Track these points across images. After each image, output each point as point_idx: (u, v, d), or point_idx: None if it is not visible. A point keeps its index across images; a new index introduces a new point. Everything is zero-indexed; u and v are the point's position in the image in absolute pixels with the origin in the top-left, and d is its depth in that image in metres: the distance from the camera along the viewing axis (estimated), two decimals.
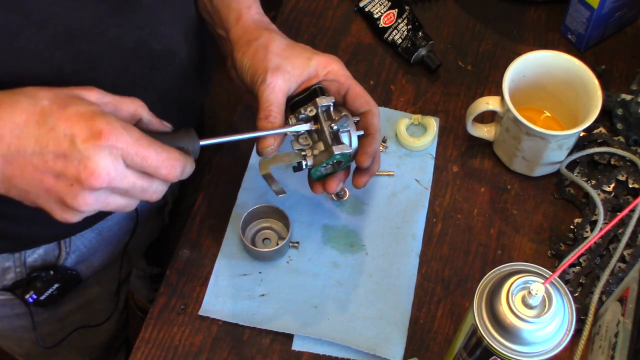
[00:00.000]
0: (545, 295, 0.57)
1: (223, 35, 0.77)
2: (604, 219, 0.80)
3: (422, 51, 0.93)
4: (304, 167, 0.71)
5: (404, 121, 0.89)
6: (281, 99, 0.70)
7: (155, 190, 0.59)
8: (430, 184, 0.86)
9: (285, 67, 0.71)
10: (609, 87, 0.92)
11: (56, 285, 0.80)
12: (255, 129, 0.70)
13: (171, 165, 0.58)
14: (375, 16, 0.97)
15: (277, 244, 0.80)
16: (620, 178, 0.83)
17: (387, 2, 0.97)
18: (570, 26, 0.95)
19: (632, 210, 0.80)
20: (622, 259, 0.79)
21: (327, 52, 0.95)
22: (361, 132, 0.71)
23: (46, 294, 0.77)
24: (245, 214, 0.81)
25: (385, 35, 0.96)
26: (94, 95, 0.59)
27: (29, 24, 0.59)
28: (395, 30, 0.95)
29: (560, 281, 0.59)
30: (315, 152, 0.70)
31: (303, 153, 0.70)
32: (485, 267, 0.81)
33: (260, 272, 0.80)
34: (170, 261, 0.81)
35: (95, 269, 0.87)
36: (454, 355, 0.68)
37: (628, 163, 0.84)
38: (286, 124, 0.71)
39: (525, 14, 1.01)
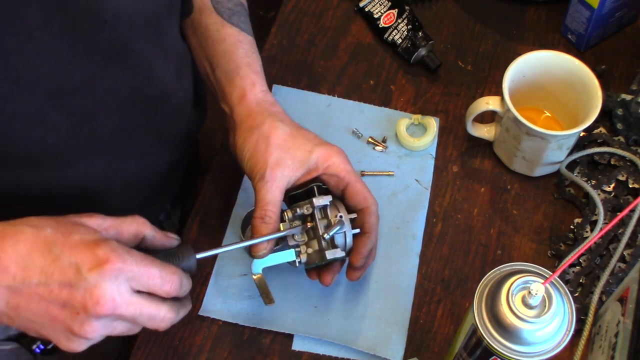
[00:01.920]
0: (545, 295, 0.57)
1: (227, 112, 0.76)
2: (604, 219, 0.80)
3: (422, 51, 0.93)
4: (297, 264, 0.71)
5: (404, 121, 0.89)
6: (278, 197, 0.70)
7: (163, 318, 0.60)
8: (430, 184, 0.86)
9: (285, 162, 0.70)
10: (609, 87, 0.92)
11: None
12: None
13: (173, 280, 0.59)
14: (375, 16, 0.97)
15: (277, 244, 0.80)
16: (620, 178, 0.83)
17: (387, 2, 0.97)
18: (570, 26, 0.95)
19: (632, 210, 0.80)
20: (622, 259, 0.79)
21: (327, 52, 0.96)
22: (357, 231, 0.72)
23: (53, 344, 0.76)
24: (246, 213, 0.81)
25: (385, 35, 0.96)
26: (95, 221, 0.60)
27: (18, 88, 0.58)
28: (395, 30, 0.95)
29: (560, 281, 0.59)
30: (310, 250, 0.70)
31: (297, 249, 0.70)
32: (485, 267, 0.81)
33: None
34: None
35: None
36: (454, 355, 0.68)
37: (628, 163, 0.84)
38: (282, 220, 0.71)
39: (525, 14, 1.01)
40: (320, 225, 0.70)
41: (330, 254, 0.69)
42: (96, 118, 0.66)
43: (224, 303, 0.78)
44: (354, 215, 0.72)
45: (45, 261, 0.55)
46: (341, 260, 0.73)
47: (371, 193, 0.73)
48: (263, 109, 0.74)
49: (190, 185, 0.99)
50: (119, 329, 0.58)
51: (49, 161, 0.66)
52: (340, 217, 0.70)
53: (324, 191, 0.72)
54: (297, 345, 0.76)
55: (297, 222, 0.71)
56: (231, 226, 0.83)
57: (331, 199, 0.70)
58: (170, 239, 0.64)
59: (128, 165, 0.74)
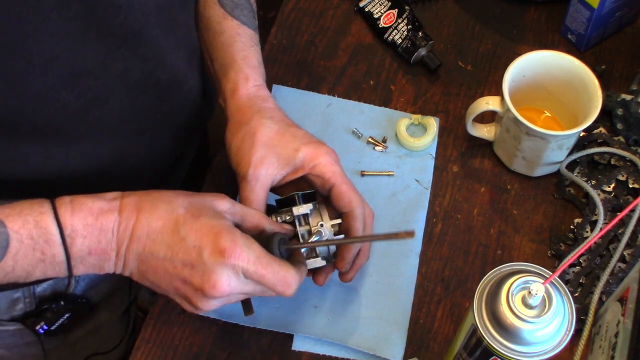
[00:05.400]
0: (545, 295, 0.57)
1: (222, 106, 0.76)
2: (604, 219, 0.80)
3: (422, 51, 0.93)
4: None
5: (404, 121, 0.89)
6: (262, 196, 0.70)
7: (280, 292, 0.64)
8: (430, 184, 0.86)
9: (269, 160, 0.69)
10: (609, 87, 0.92)
11: (67, 315, 0.78)
12: None
13: (287, 284, 0.63)
14: (375, 16, 0.97)
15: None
16: (620, 178, 0.83)
17: (387, 2, 0.97)
18: (570, 26, 0.95)
19: (632, 210, 0.80)
20: (622, 259, 0.79)
21: (327, 52, 0.96)
22: (341, 237, 0.70)
23: (57, 324, 0.75)
24: None
25: (385, 35, 0.96)
26: (224, 204, 0.65)
27: (32, 69, 0.58)
28: (395, 30, 0.95)
29: (560, 281, 0.60)
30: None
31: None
32: (485, 267, 0.81)
33: None
34: None
35: (104, 294, 0.85)
36: (454, 355, 0.68)
37: (628, 163, 0.84)
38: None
39: (525, 14, 1.01)
40: (303, 233, 0.69)
41: (310, 264, 0.69)
42: (107, 101, 0.66)
43: None
44: (338, 221, 0.70)
45: (173, 239, 0.61)
46: (332, 262, 0.73)
47: (358, 196, 0.71)
48: (253, 104, 0.73)
49: (196, 178, 1.00)
50: (234, 300, 0.65)
51: (55, 136, 0.66)
52: (321, 225, 0.69)
53: (309, 197, 0.71)
54: (297, 345, 0.76)
55: (287, 227, 0.70)
56: None
57: (312, 208, 0.69)
58: (286, 230, 0.68)
59: (135, 150, 0.74)
